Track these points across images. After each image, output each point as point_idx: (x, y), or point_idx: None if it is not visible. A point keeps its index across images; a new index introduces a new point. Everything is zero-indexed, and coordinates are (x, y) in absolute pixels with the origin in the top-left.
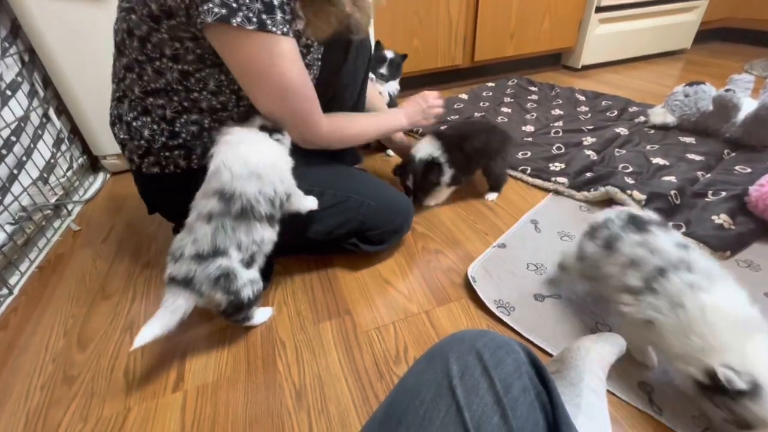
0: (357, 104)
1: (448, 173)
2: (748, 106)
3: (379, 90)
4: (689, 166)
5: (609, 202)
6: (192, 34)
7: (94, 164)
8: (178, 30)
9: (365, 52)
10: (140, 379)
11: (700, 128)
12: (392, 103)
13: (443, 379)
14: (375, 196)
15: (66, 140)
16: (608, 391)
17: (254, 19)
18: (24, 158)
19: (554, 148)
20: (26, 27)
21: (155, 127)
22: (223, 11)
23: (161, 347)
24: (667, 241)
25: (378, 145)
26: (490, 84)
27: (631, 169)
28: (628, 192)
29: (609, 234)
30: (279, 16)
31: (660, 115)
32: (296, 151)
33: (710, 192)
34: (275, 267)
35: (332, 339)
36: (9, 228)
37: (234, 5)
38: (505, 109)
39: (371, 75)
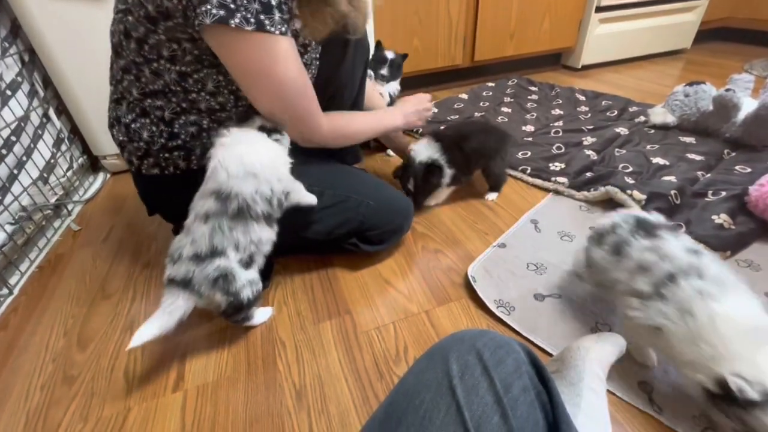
0: (356, 103)
1: (448, 174)
2: (748, 105)
3: (379, 91)
4: (689, 166)
5: (609, 201)
6: (189, 36)
7: (94, 164)
8: (176, 31)
9: (363, 50)
10: (140, 379)
11: (701, 128)
12: (393, 104)
13: (443, 379)
14: (375, 196)
15: (66, 140)
16: (608, 390)
17: (252, 20)
18: (24, 158)
19: (554, 147)
20: (26, 27)
21: (154, 128)
22: (222, 12)
23: (161, 347)
24: (678, 246)
25: (378, 145)
26: (490, 84)
27: (631, 169)
28: (628, 192)
29: (617, 239)
30: (277, 16)
31: (660, 114)
32: (296, 150)
33: (710, 192)
34: (275, 267)
35: (332, 339)
36: (9, 228)
37: (232, 6)
38: (505, 109)
39: (371, 74)
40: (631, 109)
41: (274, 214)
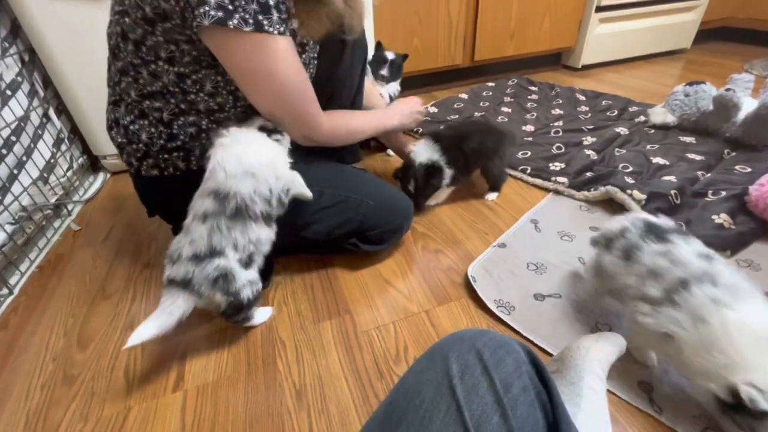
0: (355, 102)
1: (448, 174)
2: (748, 105)
3: (379, 92)
4: (689, 166)
5: (609, 201)
6: (187, 37)
7: (94, 164)
8: (174, 33)
9: (361, 49)
10: (140, 378)
11: (701, 128)
12: None
13: (443, 379)
14: (374, 196)
15: (66, 140)
16: (608, 390)
17: (251, 21)
18: (24, 158)
19: (554, 147)
20: (26, 27)
21: (153, 129)
22: (220, 14)
23: (161, 347)
24: (690, 251)
25: (378, 145)
26: (490, 84)
27: (631, 169)
28: (628, 192)
29: (627, 244)
30: (275, 15)
31: (660, 114)
32: (296, 150)
33: (710, 191)
34: (275, 267)
35: (332, 339)
36: (9, 228)
37: (230, 7)
38: (505, 109)
39: (371, 74)
40: (631, 109)
41: (273, 214)
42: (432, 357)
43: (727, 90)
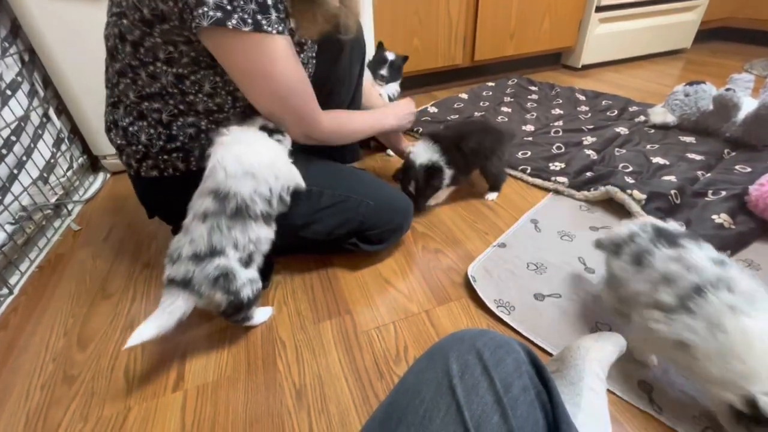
0: (353, 100)
1: (448, 174)
2: (748, 105)
3: (378, 92)
4: (689, 166)
5: (609, 201)
6: (186, 38)
7: (94, 164)
8: (172, 34)
9: (360, 48)
10: (140, 378)
11: (701, 128)
12: None
13: (443, 379)
14: (374, 196)
15: (66, 140)
16: (608, 390)
17: (249, 20)
18: (24, 158)
19: (554, 147)
20: (26, 27)
21: (152, 131)
22: (219, 14)
23: (161, 347)
24: (703, 256)
25: (378, 145)
26: (490, 84)
27: (631, 169)
28: (628, 191)
29: (637, 249)
30: (274, 15)
31: (660, 114)
32: (296, 149)
33: (710, 191)
34: (275, 266)
35: (332, 338)
36: (9, 228)
37: (228, 7)
38: (505, 109)
39: (370, 74)
40: (631, 109)
41: (273, 213)
42: (432, 357)
43: (727, 90)
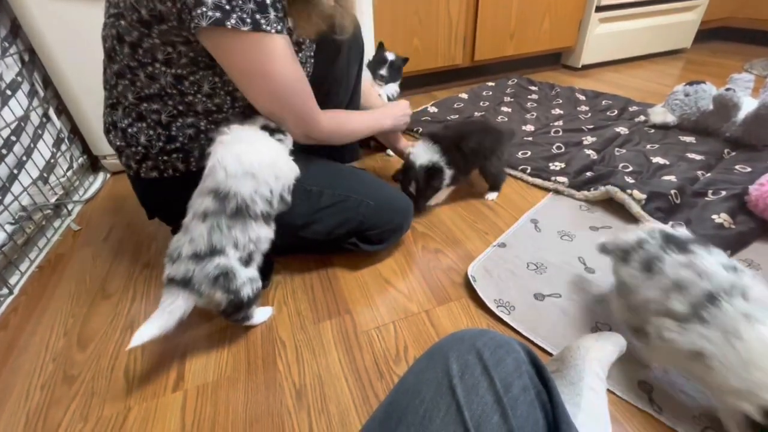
0: (352, 100)
1: (448, 174)
2: (748, 105)
3: (378, 92)
4: (689, 166)
5: (609, 201)
6: (185, 38)
7: (94, 164)
8: (170, 34)
9: (358, 47)
10: (140, 378)
11: (701, 127)
12: None
13: (443, 378)
14: (374, 196)
15: (66, 140)
16: (608, 390)
17: (248, 20)
18: (24, 158)
19: (554, 147)
20: (26, 27)
21: (151, 132)
22: (218, 14)
23: (161, 347)
24: (714, 262)
25: (378, 145)
26: (490, 83)
27: (631, 169)
28: (628, 191)
29: (647, 255)
30: (272, 14)
31: (660, 114)
32: (295, 149)
33: (710, 191)
34: (275, 266)
35: (332, 338)
36: (9, 228)
37: (227, 7)
38: (505, 109)
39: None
40: (631, 109)
41: (273, 213)
42: (432, 357)
43: (727, 90)
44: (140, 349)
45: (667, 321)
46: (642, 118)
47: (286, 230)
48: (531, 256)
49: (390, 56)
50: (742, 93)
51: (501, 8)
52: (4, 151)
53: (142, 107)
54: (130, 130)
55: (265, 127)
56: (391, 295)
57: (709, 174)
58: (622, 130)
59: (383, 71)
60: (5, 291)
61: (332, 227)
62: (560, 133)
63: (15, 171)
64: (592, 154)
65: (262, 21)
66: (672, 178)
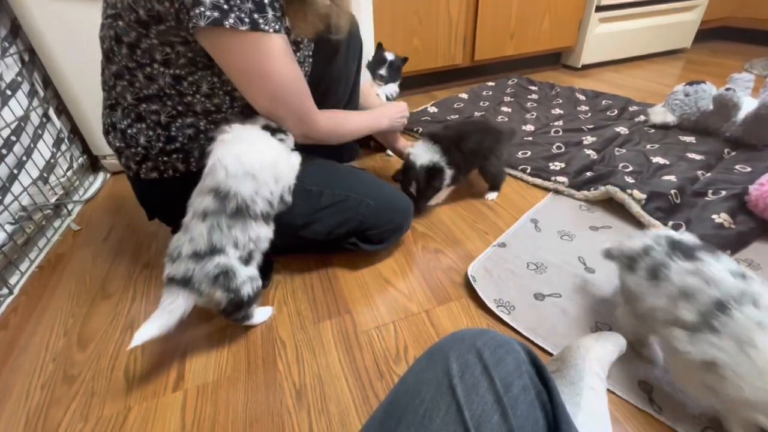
0: (350, 99)
1: (448, 174)
2: (748, 105)
3: (377, 92)
4: (689, 165)
5: (609, 201)
6: (183, 39)
7: (94, 164)
8: (169, 35)
9: (356, 46)
10: (140, 378)
11: (701, 127)
12: None
13: (443, 378)
14: (374, 195)
15: (66, 140)
16: (608, 389)
17: (246, 20)
18: (24, 158)
19: (554, 147)
20: (26, 27)
21: (151, 133)
22: (216, 14)
23: (161, 347)
24: (721, 269)
25: (378, 145)
26: (490, 83)
27: (631, 169)
28: (628, 191)
29: (653, 262)
30: (270, 13)
31: (660, 114)
32: (295, 149)
33: (710, 191)
34: (275, 266)
35: (332, 338)
36: (9, 228)
37: (225, 7)
38: (505, 109)
39: (367, 73)
40: (631, 109)
41: (272, 213)
42: (432, 356)
43: (727, 89)
44: (140, 348)
45: (677, 330)
46: (642, 118)
47: (286, 230)
48: (531, 256)
49: (389, 56)
50: (742, 93)
51: (501, 8)
52: (4, 151)
53: (141, 108)
54: (129, 131)
55: (266, 127)
56: (391, 295)
57: (709, 174)
58: (622, 130)
59: (382, 71)
60: (5, 291)
61: (332, 227)
62: (560, 133)
63: (15, 171)
64: (592, 154)
65: (260, 20)
66: (672, 177)
